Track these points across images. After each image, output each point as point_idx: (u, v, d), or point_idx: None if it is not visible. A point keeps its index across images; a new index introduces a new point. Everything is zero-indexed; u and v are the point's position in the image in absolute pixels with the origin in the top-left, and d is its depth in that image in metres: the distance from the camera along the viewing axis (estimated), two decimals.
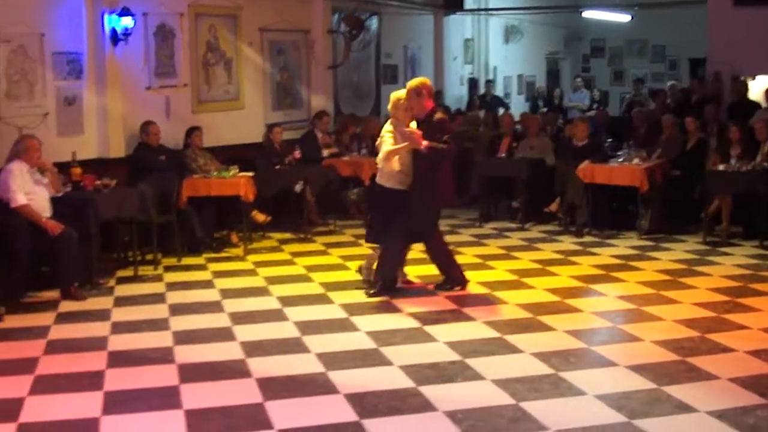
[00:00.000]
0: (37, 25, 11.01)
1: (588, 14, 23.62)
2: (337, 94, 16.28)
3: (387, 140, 9.24)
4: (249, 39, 14.19)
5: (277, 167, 12.78)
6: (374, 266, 9.51)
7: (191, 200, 11.46)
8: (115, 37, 11.64)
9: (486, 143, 15.13)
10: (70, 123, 11.45)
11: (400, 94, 9.41)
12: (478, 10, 21.33)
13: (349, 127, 14.92)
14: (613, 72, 26.83)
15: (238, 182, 11.43)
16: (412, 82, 9.41)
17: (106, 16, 11.55)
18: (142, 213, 10.46)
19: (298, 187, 13.01)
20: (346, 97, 16.66)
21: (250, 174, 11.79)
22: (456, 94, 20.60)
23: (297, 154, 13.11)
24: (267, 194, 12.27)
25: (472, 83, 21.40)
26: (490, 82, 21.44)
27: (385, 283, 9.39)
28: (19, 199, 9.17)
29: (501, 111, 19.73)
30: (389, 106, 9.51)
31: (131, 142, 11.85)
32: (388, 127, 9.36)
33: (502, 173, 13.65)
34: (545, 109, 19.89)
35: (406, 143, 9.10)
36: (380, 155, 9.31)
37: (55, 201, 9.61)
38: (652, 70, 26.17)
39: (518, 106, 21.99)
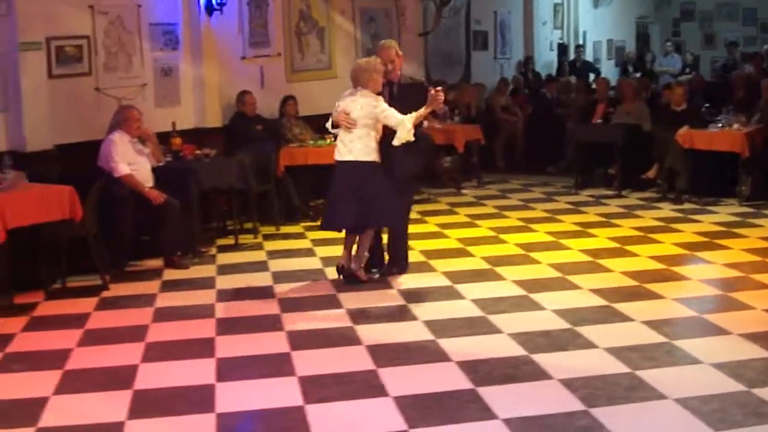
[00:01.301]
0: None
1: None
2: (428, 61, 16.16)
3: (388, 109, 8.44)
4: (341, 7, 14.13)
5: None
6: (356, 251, 8.69)
7: (288, 169, 11.48)
8: (210, 7, 11.65)
9: (579, 109, 14.95)
10: (167, 94, 11.52)
11: (370, 59, 8.70)
12: None
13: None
14: (704, 36, 26.24)
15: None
16: (386, 42, 9.07)
17: None
18: (241, 182, 10.51)
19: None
20: (436, 64, 16.54)
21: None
22: (545, 59, 20.37)
23: None
24: None
25: (562, 49, 21.10)
26: (580, 48, 21.13)
27: (405, 260, 9.09)
28: (122, 169, 9.25)
29: (591, 76, 19.51)
30: (358, 75, 8.53)
31: (227, 112, 11.90)
32: (365, 97, 8.45)
33: (598, 139, 13.42)
34: (638, 74, 19.55)
35: (427, 107, 8.49)
36: (397, 123, 8.37)
37: (156, 170, 9.68)
38: (744, 33, 25.52)
39: (608, 71, 21.63)
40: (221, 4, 11.65)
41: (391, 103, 8.54)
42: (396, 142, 8.43)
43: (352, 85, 8.63)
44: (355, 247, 8.66)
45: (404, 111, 8.43)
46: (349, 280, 8.61)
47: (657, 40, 25.60)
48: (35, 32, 9.86)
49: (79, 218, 8.57)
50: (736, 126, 12.33)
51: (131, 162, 9.37)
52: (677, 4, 26.49)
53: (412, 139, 8.43)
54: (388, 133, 8.50)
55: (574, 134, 13.74)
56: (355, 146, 8.47)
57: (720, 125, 12.45)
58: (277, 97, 12.41)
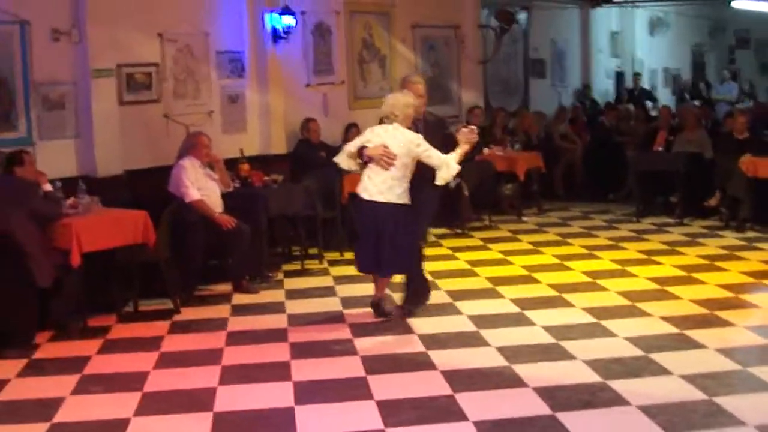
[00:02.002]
0: (201, 25, 11.29)
1: (736, 4, 23.03)
2: (487, 89, 16.24)
3: (431, 148, 8.08)
4: (402, 36, 14.29)
5: None
6: (385, 293, 8.54)
7: (351, 196, 11.55)
8: (276, 36, 11.83)
9: (640, 137, 14.93)
10: (234, 120, 11.70)
11: (406, 93, 8.24)
12: (625, 2, 20.99)
13: (499, 121, 14.88)
14: (759, 63, 26.09)
15: None
16: (414, 77, 8.85)
17: (266, 15, 11.75)
18: (308, 208, 10.61)
19: (453, 183, 12.99)
20: (496, 92, 16.64)
21: None
22: (602, 87, 20.35)
23: None
24: None
25: (619, 76, 21.09)
26: (637, 75, 21.11)
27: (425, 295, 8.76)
28: (194, 194, 9.37)
29: (649, 104, 19.47)
30: (395, 109, 8.11)
31: (292, 139, 12.06)
32: (404, 134, 8.10)
33: (660, 167, 13.37)
34: (697, 102, 19.49)
35: (464, 145, 8.18)
36: (441, 164, 8.09)
37: (225, 196, 9.80)
38: None
39: (664, 99, 21.55)
40: (287, 33, 11.81)
41: None
42: (439, 182, 8.20)
43: (387, 119, 8.19)
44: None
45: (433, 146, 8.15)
46: (381, 314, 8.39)
47: (712, 68, 25.53)
48: (106, 60, 10.12)
49: (152, 243, 8.71)
50: None
51: (201, 187, 9.49)
52: (731, 31, 26.38)
53: (452, 180, 8.31)
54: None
55: (636, 162, 13.71)
56: (388, 186, 8.04)
57: None
58: (340, 124, 12.54)
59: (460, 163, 8.23)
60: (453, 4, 15.34)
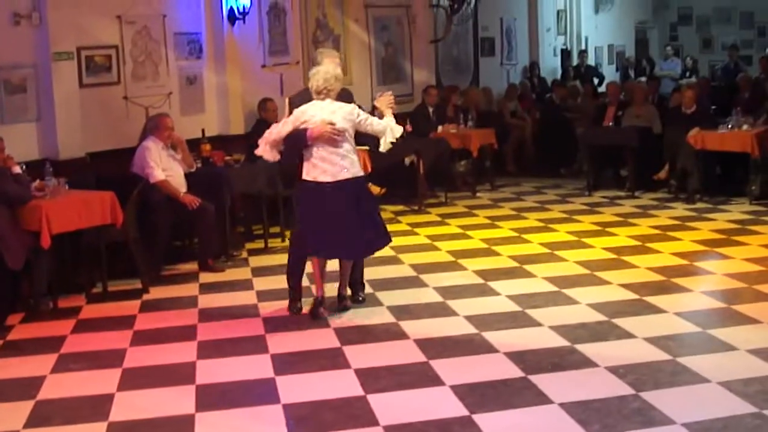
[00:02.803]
0: (159, 7, 11.33)
1: None
2: (438, 68, 16.43)
3: (368, 116, 7.83)
4: (355, 15, 14.40)
5: None
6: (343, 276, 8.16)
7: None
8: (232, 17, 11.90)
9: (589, 113, 15.22)
10: (192, 102, 11.78)
11: (336, 68, 7.84)
12: None
13: (452, 99, 15.08)
14: (701, 40, 26.54)
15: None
16: (331, 51, 8.54)
17: None
18: (269, 187, 10.72)
19: (408, 160, 13.21)
20: (447, 71, 16.83)
21: (366, 148, 11.96)
22: (550, 65, 20.64)
23: (408, 127, 13.29)
24: (380, 167, 12.42)
25: (565, 54, 21.40)
26: (583, 53, 21.44)
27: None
28: (158, 174, 9.47)
29: (596, 81, 19.79)
30: (329, 84, 7.62)
31: (249, 119, 12.13)
32: (341, 107, 7.67)
33: (611, 142, 13.67)
34: (643, 78, 19.84)
35: (387, 110, 7.93)
36: (384, 129, 7.78)
37: (188, 176, 9.90)
38: (741, 36, 25.82)
39: (609, 76, 21.88)
40: (244, 14, 11.88)
41: None
42: (383, 149, 7.92)
43: (317, 95, 7.66)
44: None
45: None
46: (343, 309, 8.01)
47: (656, 45, 25.95)
48: (67, 42, 10.14)
49: (120, 223, 8.80)
50: (745, 127, 12.60)
51: (165, 168, 9.59)
52: (674, 8, 26.81)
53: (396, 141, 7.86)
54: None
55: (587, 137, 14.00)
56: (350, 162, 7.61)
57: (729, 126, 12.71)
58: None
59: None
60: None
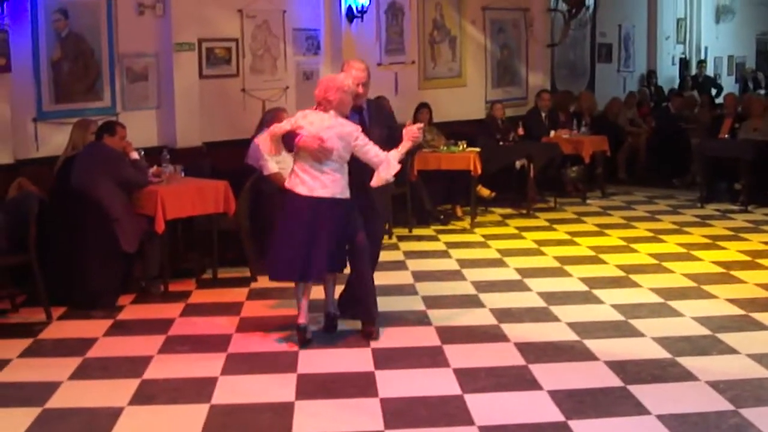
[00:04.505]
0: (279, 2, 11.56)
1: None
2: (554, 73, 16.37)
3: (370, 143, 7.12)
4: (472, 17, 14.46)
5: (501, 143, 12.99)
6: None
7: (420, 173, 11.78)
8: (350, 14, 12.07)
9: (705, 124, 15.01)
10: (309, 97, 11.74)
11: (346, 77, 7.26)
12: None
13: (566, 105, 15.02)
14: None
15: (468, 157, 11.68)
16: (358, 62, 7.65)
17: None
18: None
19: (519, 164, 13.21)
20: (563, 75, 16.75)
21: (477, 149, 12.04)
22: (667, 74, 20.39)
23: (520, 130, 13.33)
24: (490, 170, 12.47)
25: (683, 63, 21.11)
26: (702, 63, 21.13)
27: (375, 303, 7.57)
28: (272, 167, 9.62)
29: (714, 92, 19.49)
30: (331, 94, 7.08)
31: None
32: (342, 124, 7.08)
33: (726, 154, 13.45)
34: (762, 91, 19.48)
35: (407, 143, 7.20)
36: (380, 162, 7.10)
37: None
38: None
39: (727, 87, 21.53)
40: (362, 12, 12.03)
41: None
42: (375, 183, 7.18)
43: (319, 105, 7.21)
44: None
45: (376, 140, 7.25)
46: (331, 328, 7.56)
47: None
48: (188, 34, 10.44)
49: (232, 212, 9.01)
50: None
51: (279, 161, 9.74)
52: None
53: (392, 180, 7.24)
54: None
55: (702, 149, 13.80)
56: (331, 180, 7.08)
57: None
58: (410, 103, 12.74)
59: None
60: None
